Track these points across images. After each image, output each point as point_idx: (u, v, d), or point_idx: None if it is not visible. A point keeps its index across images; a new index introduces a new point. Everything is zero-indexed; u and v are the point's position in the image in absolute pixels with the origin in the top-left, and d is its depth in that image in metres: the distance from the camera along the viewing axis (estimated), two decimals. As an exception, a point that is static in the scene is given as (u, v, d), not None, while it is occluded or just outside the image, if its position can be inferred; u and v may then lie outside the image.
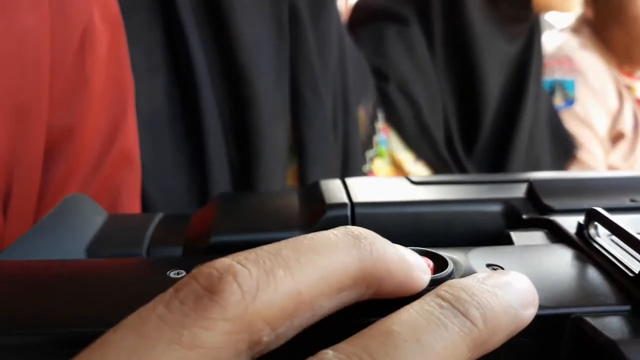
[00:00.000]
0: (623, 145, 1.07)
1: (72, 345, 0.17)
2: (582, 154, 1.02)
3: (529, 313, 0.17)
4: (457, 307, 0.16)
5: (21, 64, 0.31)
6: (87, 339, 0.17)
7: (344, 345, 0.15)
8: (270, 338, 0.15)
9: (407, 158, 0.82)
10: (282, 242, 0.16)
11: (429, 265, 0.19)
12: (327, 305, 0.16)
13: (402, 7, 0.85)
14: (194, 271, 0.15)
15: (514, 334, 0.17)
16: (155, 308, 0.14)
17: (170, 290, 0.15)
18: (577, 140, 1.02)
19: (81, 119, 0.36)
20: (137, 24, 0.53)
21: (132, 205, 0.42)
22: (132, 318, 0.14)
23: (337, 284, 0.16)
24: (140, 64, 0.53)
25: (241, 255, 0.15)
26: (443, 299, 0.16)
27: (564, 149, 1.00)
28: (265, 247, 0.16)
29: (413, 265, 0.18)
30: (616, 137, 1.07)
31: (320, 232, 0.17)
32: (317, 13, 0.66)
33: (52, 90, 0.34)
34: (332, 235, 0.17)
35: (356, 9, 0.92)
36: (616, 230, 0.20)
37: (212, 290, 0.14)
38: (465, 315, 0.16)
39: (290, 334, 0.15)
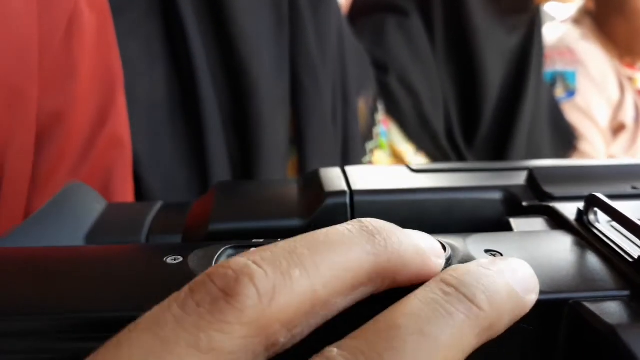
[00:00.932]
0: (624, 137, 1.07)
1: (70, 329, 0.17)
2: (583, 145, 1.02)
3: (531, 299, 0.17)
4: (463, 291, 0.16)
5: (11, 45, 0.31)
6: (85, 323, 0.17)
7: (348, 342, 0.15)
8: (286, 339, 0.15)
9: (407, 150, 0.82)
10: (298, 239, 0.16)
11: None
12: (342, 302, 0.16)
13: (402, -1, 0.85)
14: (210, 270, 0.15)
15: (517, 320, 0.17)
16: (170, 308, 0.14)
17: (186, 289, 0.15)
18: (577, 132, 1.02)
19: (70, 103, 0.36)
20: (137, 16, 0.53)
21: (124, 188, 0.42)
22: (147, 318, 0.14)
23: (352, 282, 0.16)
24: (139, 55, 0.53)
25: (257, 255, 0.15)
26: (447, 284, 0.16)
27: (565, 140, 1.00)
28: (281, 244, 0.16)
29: (428, 252, 0.17)
30: (617, 129, 1.07)
31: (335, 228, 0.16)
32: (316, 4, 0.66)
33: (41, 75, 0.34)
34: (347, 231, 0.16)
35: (356, 0, 0.91)
36: (616, 215, 0.20)
37: (228, 293, 0.14)
38: (471, 300, 0.16)
39: (306, 332, 0.15)
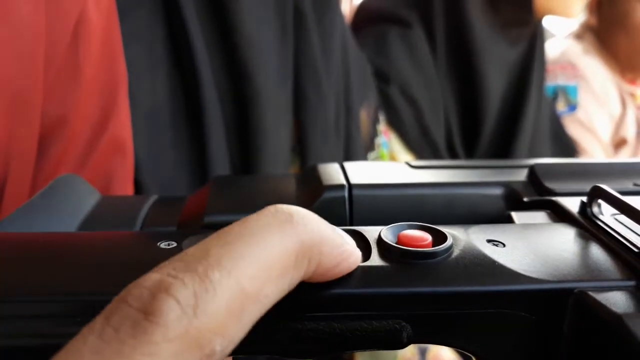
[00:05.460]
0: (625, 152, 1.07)
1: (59, 313, 0.17)
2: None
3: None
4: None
5: (18, 53, 0.31)
6: (73, 307, 0.17)
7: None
8: (223, 345, 0.14)
9: (408, 160, 0.81)
10: (209, 239, 0.15)
11: (426, 240, 0.19)
12: (274, 291, 0.15)
13: (404, 10, 0.85)
14: (121, 294, 0.14)
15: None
16: (85, 341, 0.13)
17: (99, 318, 0.13)
18: (579, 146, 1.02)
19: (73, 108, 0.36)
20: (140, 20, 0.53)
21: (124, 191, 0.42)
22: (59, 356, 0.13)
23: (280, 267, 0.15)
24: (142, 59, 0.52)
25: (169, 266, 0.14)
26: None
27: (566, 154, 1.00)
28: (191, 250, 0.15)
29: (345, 238, 0.17)
30: (619, 144, 1.07)
31: (249, 217, 0.16)
32: (321, 14, 0.66)
33: (46, 80, 0.34)
34: (263, 217, 0.16)
35: (359, 11, 0.92)
36: (621, 205, 0.20)
37: (147, 311, 0.13)
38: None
39: (242, 332, 0.14)
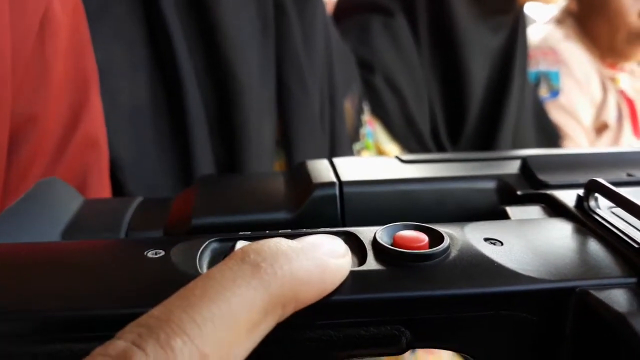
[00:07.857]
0: (607, 136, 1.07)
1: (50, 329, 0.16)
2: (567, 145, 1.02)
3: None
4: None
5: None
6: (65, 322, 0.16)
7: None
8: None
9: (393, 150, 0.81)
10: (172, 300, 0.14)
11: (423, 241, 0.18)
12: (243, 349, 0.15)
13: (387, -1, 0.84)
14: (88, 357, 0.13)
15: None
16: None
17: None
18: (562, 131, 1.02)
19: (43, 106, 0.35)
20: (119, 19, 0.51)
21: (100, 187, 0.41)
22: None
23: (247, 325, 0.15)
24: (122, 59, 0.51)
25: (134, 332, 0.14)
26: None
27: (549, 139, 1.00)
28: (155, 313, 0.14)
29: (325, 258, 0.17)
30: (600, 128, 1.08)
31: (212, 272, 0.15)
32: (302, 6, 0.65)
33: (14, 79, 0.33)
34: (228, 270, 0.15)
35: (341, 1, 0.91)
36: (619, 199, 0.19)
37: None
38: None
39: None
